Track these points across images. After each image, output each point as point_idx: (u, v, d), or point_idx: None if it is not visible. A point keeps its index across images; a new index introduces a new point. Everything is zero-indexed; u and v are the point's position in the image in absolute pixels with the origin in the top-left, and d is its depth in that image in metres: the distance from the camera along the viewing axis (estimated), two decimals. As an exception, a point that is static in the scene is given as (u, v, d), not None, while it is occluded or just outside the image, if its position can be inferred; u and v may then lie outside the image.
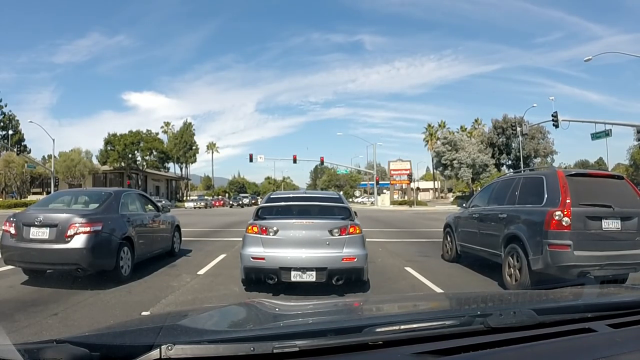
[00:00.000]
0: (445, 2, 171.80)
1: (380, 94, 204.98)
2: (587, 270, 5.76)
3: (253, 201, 62.21)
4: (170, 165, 70.62)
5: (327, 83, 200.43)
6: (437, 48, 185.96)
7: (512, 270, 6.47)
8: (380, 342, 1.30)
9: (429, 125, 77.20)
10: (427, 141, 75.88)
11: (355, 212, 6.69)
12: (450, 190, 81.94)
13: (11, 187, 52.21)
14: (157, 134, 63.43)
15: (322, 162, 53.63)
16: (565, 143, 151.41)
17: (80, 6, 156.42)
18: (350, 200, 57.46)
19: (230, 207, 59.69)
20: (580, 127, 61.45)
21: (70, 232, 6.40)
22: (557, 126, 29.50)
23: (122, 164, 55.43)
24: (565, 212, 5.80)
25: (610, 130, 28.85)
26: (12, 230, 6.65)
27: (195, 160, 77.42)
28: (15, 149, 45.89)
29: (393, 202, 53.90)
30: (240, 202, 62.81)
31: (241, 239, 6.45)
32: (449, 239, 9.40)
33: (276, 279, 5.93)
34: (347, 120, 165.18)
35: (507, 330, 1.38)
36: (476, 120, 69.61)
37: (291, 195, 7.88)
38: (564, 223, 5.78)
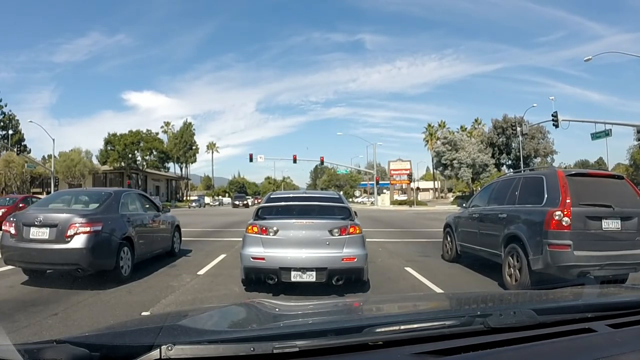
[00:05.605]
0: (446, 1, 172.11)
1: (380, 94, 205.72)
2: (587, 270, 5.76)
3: (245, 202, 53.06)
4: (170, 165, 70.60)
5: (327, 82, 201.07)
6: (438, 47, 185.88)
7: (512, 270, 6.47)
8: (380, 342, 1.30)
9: (429, 125, 77.18)
10: (427, 141, 75.83)
11: (355, 212, 6.69)
12: (450, 190, 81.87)
13: (11, 187, 52.10)
14: (157, 133, 63.39)
15: (322, 162, 53.60)
16: (565, 143, 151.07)
17: (79, 5, 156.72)
18: (350, 200, 57.37)
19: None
20: (580, 127, 61.70)
21: (70, 232, 6.40)
22: (557, 126, 29.51)
23: (122, 164, 55.38)
24: (565, 212, 5.80)
25: (610, 130, 28.82)
26: (12, 230, 6.66)
27: (195, 160, 77.41)
28: (15, 149, 45.86)
29: (393, 202, 53.89)
30: (221, 203, 54.07)
31: (241, 239, 6.45)
32: (449, 239, 9.40)
33: (276, 279, 5.93)
34: (348, 120, 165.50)
35: (507, 331, 1.38)
36: (476, 120, 69.50)
37: (291, 195, 7.87)
38: (564, 223, 5.78)
